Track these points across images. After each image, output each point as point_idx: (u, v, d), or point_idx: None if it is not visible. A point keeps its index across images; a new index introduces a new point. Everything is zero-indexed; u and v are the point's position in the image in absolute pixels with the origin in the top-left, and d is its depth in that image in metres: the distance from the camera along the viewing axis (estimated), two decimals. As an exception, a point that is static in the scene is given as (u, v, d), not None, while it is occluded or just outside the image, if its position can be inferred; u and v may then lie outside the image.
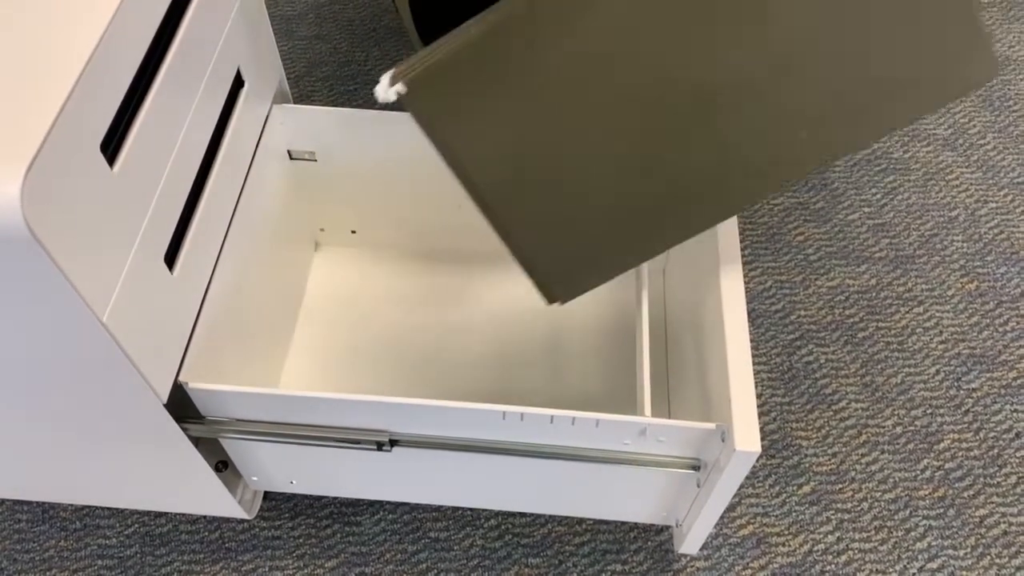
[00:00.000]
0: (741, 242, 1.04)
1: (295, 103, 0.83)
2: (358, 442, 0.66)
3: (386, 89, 0.51)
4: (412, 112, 0.52)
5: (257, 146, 0.76)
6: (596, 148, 0.54)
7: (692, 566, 0.81)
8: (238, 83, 0.71)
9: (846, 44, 0.53)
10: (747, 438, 0.57)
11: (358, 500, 0.84)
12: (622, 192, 0.57)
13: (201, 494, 0.74)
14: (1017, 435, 0.89)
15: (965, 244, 1.04)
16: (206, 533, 0.83)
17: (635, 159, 0.55)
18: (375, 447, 0.66)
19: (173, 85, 0.58)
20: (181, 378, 0.63)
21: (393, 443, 0.66)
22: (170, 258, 0.60)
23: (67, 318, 0.50)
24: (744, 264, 1.02)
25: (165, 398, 0.59)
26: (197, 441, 0.67)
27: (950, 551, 0.82)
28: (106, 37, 0.49)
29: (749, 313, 0.98)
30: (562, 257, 0.60)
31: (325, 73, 1.24)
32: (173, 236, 0.60)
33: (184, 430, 0.64)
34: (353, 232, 0.96)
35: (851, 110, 0.56)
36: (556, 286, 0.62)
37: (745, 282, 1.01)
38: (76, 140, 0.47)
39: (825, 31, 0.53)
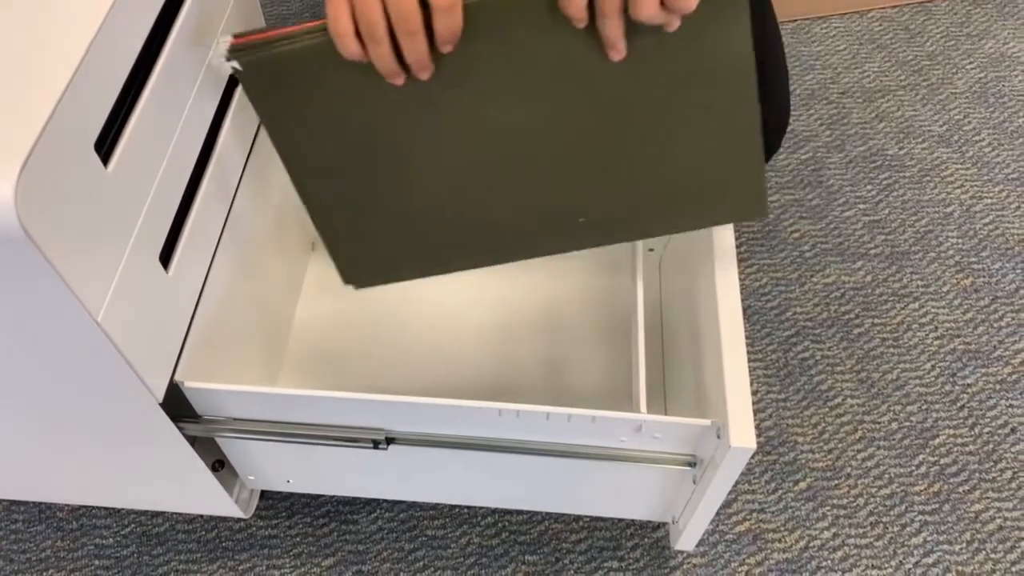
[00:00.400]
0: (737, 239, 1.05)
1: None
2: (354, 440, 0.66)
3: (221, 57, 0.53)
4: (243, 86, 0.55)
5: (252, 145, 0.76)
6: (407, 165, 0.58)
7: (688, 563, 0.81)
8: (233, 82, 0.71)
9: (628, 149, 0.57)
10: (742, 434, 0.57)
11: (355, 498, 0.85)
12: (427, 207, 0.61)
13: (198, 493, 0.75)
14: (1012, 430, 0.89)
15: (960, 240, 1.05)
16: (203, 532, 0.83)
17: (443, 183, 0.59)
18: (371, 445, 0.66)
19: (167, 84, 0.58)
20: (177, 377, 0.63)
21: (389, 441, 0.66)
22: (165, 257, 0.60)
23: (62, 318, 0.50)
24: (740, 261, 1.03)
25: (161, 397, 0.59)
26: (194, 440, 0.67)
27: (946, 546, 0.82)
28: (100, 36, 0.49)
29: (745, 310, 0.99)
30: (364, 249, 0.65)
31: (320, 72, 1.24)
32: (168, 235, 0.60)
33: (180, 429, 0.64)
34: (349, 231, 0.96)
35: (627, 207, 0.61)
36: (353, 272, 0.67)
37: (741, 279, 1.01)
38: (70, 139, 0.47)
39: (608, 134, 0.57)
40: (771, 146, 0.94)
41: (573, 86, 0.54)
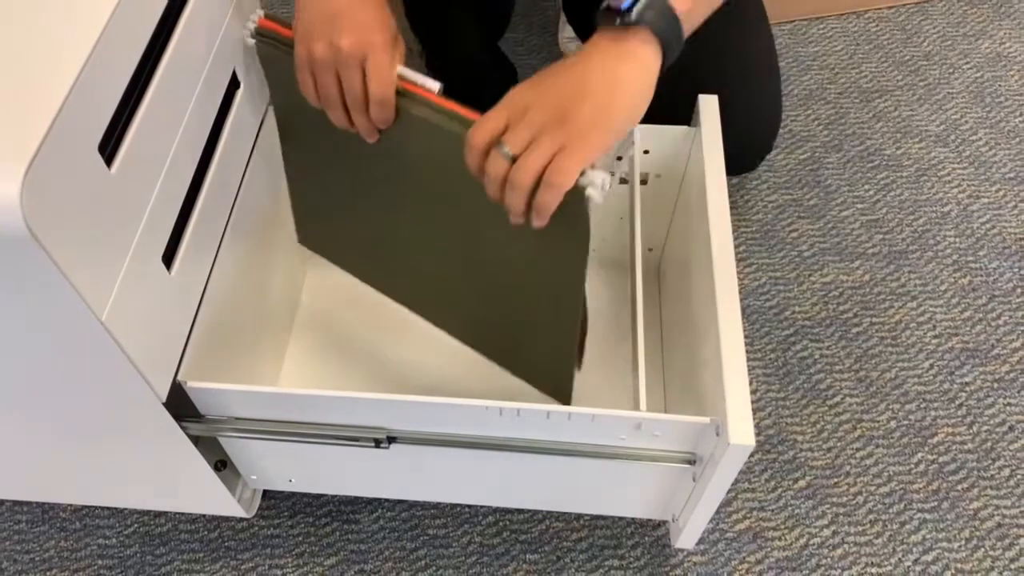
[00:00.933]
0: (735, 239, 1.05)
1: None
2: (356, 439, 0.66)
3: (248, 31, 0.66)
4: (260, 63, 0.69)
5: (254, 146, 0.77)
6: (363, 176, 0.70)
7: (689, 561, 0.82)
8: (234, 84, 0.71)
9: (481, 284, 0.70)
10: (741, 432, 0.58)
11: (357, 498, 0.85)
12: (369, 220, 0.74)
13: (200, 493, 0.75)
14: (1010, 428, 0.90)
15: (957, 239, 1.05)
16: (205, 532, 0.83)
17: (381, 210, 0.72)
18: (373, 444, 0.66)
19: (170, 86, 0.59)
20: (180, 377, 0.63)
21: (391, 440, 0.67)
22: (168, 258, 0.60)
23: (66, 317, 0.50)
24: (738, 260, 1.03)
25: (164, 397, 0.60)
26: (196, 440, 0.68)
27: (944, 544, 0.82)
28: (103, 38, 0.50)
29: (743, 309, 0.99)
30: (318, 224, 0.79)
31: (320, 74, 1.24)
32: (171, 236, 0.60)
33: (183, 429, 0.64)
34: (350, 232, 0.96)
35: (476, 327, 0.76)
36: (304, 234, 0.81)
37: (740, 278, 1.02)
38: (74, 140, 0.48)
39: (471, 259, 0.68)
40: (762, 148, 0.94)
41: (459, 206, 0.64)
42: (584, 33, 1.03)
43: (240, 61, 0.72)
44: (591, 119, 0.49)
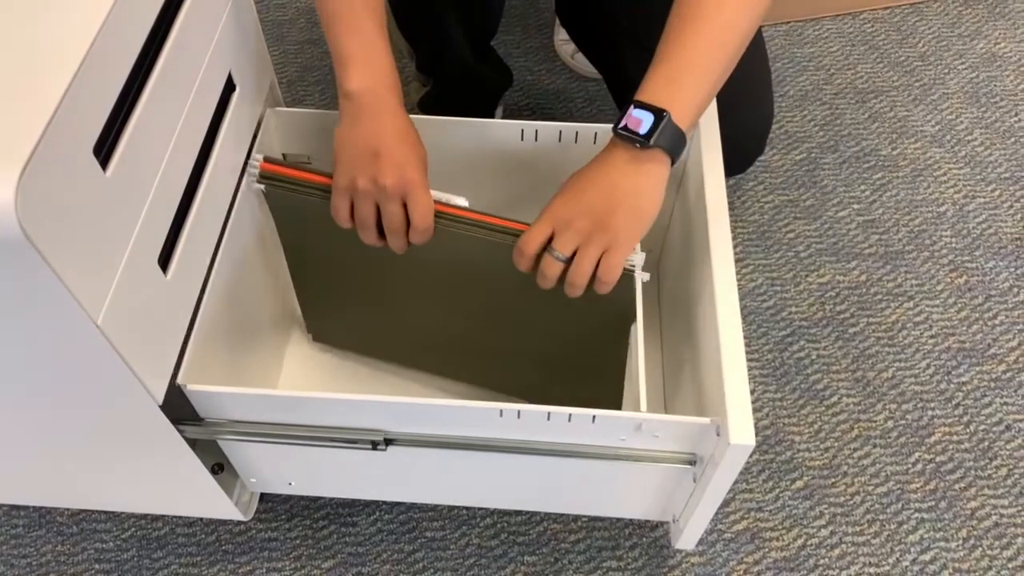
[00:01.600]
0: (732, 240, 1.05)
1: (288, 107, 0.84)
2: (353, 442, 0.66)
3: (252, 177, 0.74)
4: (267, 201, 0.76)
5: (251, 149, 0.76)
6: (374, 280, 0.78)
7: (687, 562, 0.81)
8: (230, 87, 0.71)
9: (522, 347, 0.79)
10: (741, 431, 0.58)
11: (354, 500, 0.85)
12: (380, 315, 0.83)
13: (198, 496, 0.75)
14: (1007, 428, 0.90)
15: (953, 239, 1.05)
16: (203, 535, 0.83)
17: (394, 302, 0.80)
18: (370, 447, 0.66)
19: (165, 89, 0.58)
20: (179, 380, 0.63)
21: (388, 442, 0.66)
22: (164, 260, 0.60)
23: (61, 321, 0.50)
24: (735, 261, 1.02)
25: (161, 400, 0.59)
26: (194, 443, 0.68)
27: (942, 543, 0.83)
28: (98, 41, 0.49)
29: (741, 310, 0.99)
30: (326, 321, 0.88)
31: (317, 77, 1.24)
32: (167, 238, 0.60)
33: (181, 432, 0.64)
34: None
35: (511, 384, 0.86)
36: (315, 330, 0.90)
37: (737, 279, 1.02)
38: (69, 143, 0.47)
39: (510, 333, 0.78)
40: (755, 149, 0.94)
41: (494, 293, 0.73)
42: (577, 37, 1.03)
43: (235, 63, 0.71)
44: (625, 226, 0.61)
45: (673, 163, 0.61)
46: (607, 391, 0.76)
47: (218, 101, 0.69)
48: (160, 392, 0.59)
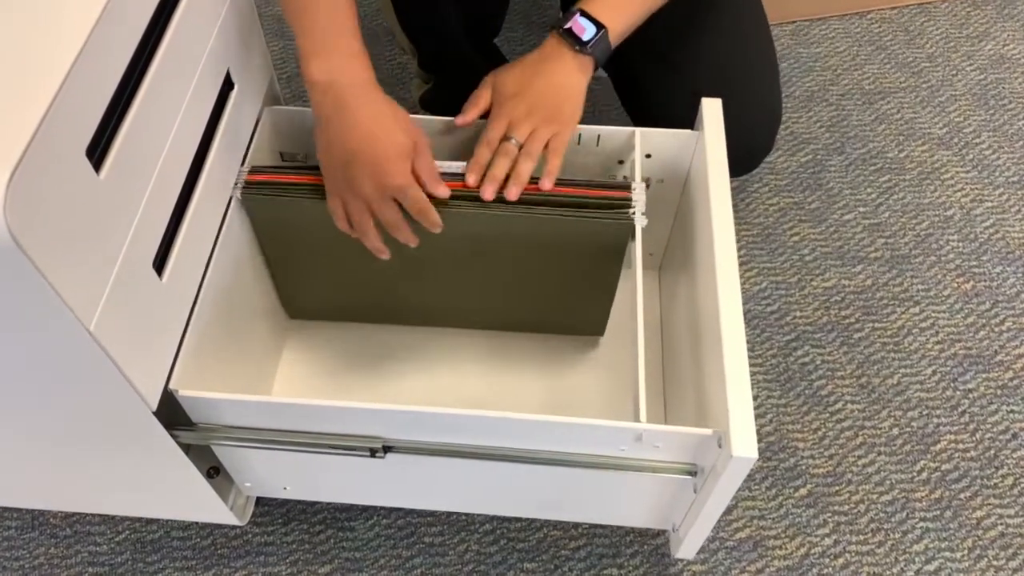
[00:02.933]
0: (736, 242, 1.04)
1: (288, 104, 0.82)
2: (352, 449, 0.65)
3: (239, 190, 0.72)
4: (248, 213, 0.75)
5: (248, 148, 0.75)
6: (360, 263, 0.76)
7: (688, 570, 0.80)
8: (228, 85, 0.70)
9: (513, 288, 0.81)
10: (744, 444, 0.56)
11: (352, 505, 0.84)
12: (367, 287, 0.83)
13: (192, 500, 0.74)
14: (1014, 436, 0.89)
15: (961, 244, 1.04)
16: (198, 539, 0.82)
17: (382, 276, 0.79)
18: (368, 454, 0.65)
19: (161, 88, 0.57)
20: (171, 385, 0.62)
21: (387, 450, 0.65)
22: (159, 264, 0.59)
23: (53, 327, 0.49)
24: (740, 264, 1.02)
25: (155, 406, 0.58)
26: (188, 448, 0.67)
27: (947, 553, 0.82)
28: (91, 40, 0.48)
29: (745, 314, 0.98)
30: (305, 300, 0.87)
31: (317, 73, 1.23)
32: (162, 242, 0.59)
33: (174, 437, 0.63)
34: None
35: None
36: (291, 309, 0.89)
37: (741, 283, 1.00)
38: (61, 146, 0.46)
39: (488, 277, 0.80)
40: (762, 149, 0.93)
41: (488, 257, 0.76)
42: None
43: (234, 61, 0.70)
44: (571, 115, 0.71)
45: (594, 72, 0.72)
46: (594, 318, 0.85)
47: (216, 100, 0.67)
48: (154, 398, 0.58)
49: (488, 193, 0.68)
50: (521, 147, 0.69)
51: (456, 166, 0.71)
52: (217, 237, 0.70)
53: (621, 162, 0.81)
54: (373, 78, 0.66)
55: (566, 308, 0.84)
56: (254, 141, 0.76)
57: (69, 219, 0.47)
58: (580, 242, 0.73)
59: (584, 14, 0.70)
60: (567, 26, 0.70)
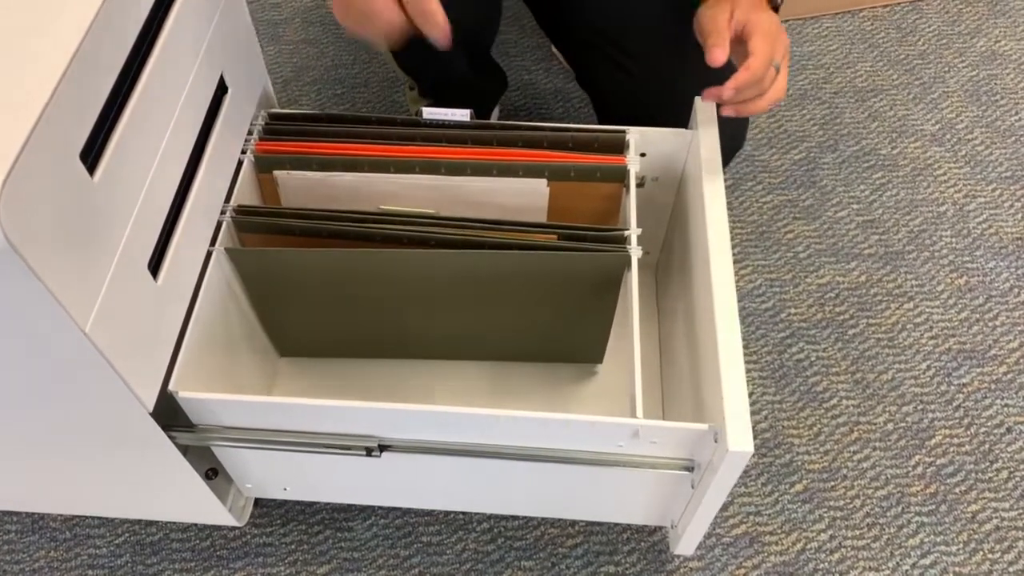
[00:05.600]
0: (731, 240, 1.04)
1: (283, 108, 0.83)
2: (348, 448, 0.65)
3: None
4: (230, 257, 0.74)
5: (243, 151, 0.76)
6: (348, 304, 0.78)
7: (685, 566, 0.81)
8: (222, 89, 0.70)
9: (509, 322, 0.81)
10: (740, 438, 0.57)
11: (350, 505, 0.84)
12: (354, 328, 0.83)
13: (191, 502, 0.74)
14: (1008, 430, 0.89)
15: (954, 239, 1.04)
16: (197, 541, 0.82)
17: (370, 316, 0.80)
18: (365, 453, 0.65)
19: (155, 92, 0.57)
20: (171, 387, 0.62)
21: (383, 448, 0.66)
22: (155, 266, 0.59)
23: (48, 329, 0.49)
24: (734, 262, 1.02)
25: (151, 407, 0.59)
26: (187, 449, 0.67)
27: (942, 547, 0.82)
28: (85, 44, 0.49)
29: (740, 311, 0.98)
30: (295, 341, 0.87)
31: (312, 77, 1.23)
32: (157, 243, 0.59)
33: (172, 438, 0.63)
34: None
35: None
36: (282, 348, 0.89)
37: (735, 281, 1.01)
38: (55, 149, 0.46)
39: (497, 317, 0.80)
40: (734, 146, 0.92)
41: (480, 289, 0.76)
42: (554, 36, 1.02)
43: (228, 65, 0.71)
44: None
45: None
46: (592, 346, 0.85)
47: (210, 103, 0.68)
48: (151, 399, 0.59)
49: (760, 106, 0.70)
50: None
51: (460, 114, 0.72)
52: (214, 239, 0.70)
53: (643, 155, 0.81)
54: None
55: (563, 339, 0.83)
56: (249, 143, 0.76)
57: (63, 222, 0.47)
58: (576, 277, 0.73)
59: None
60: None
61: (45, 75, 0.46)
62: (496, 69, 1.09)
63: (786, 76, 0.69)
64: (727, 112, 0.69)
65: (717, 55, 0.67)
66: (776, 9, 0.73)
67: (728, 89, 0.67)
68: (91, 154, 0.50)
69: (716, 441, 0.59)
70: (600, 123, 0.96)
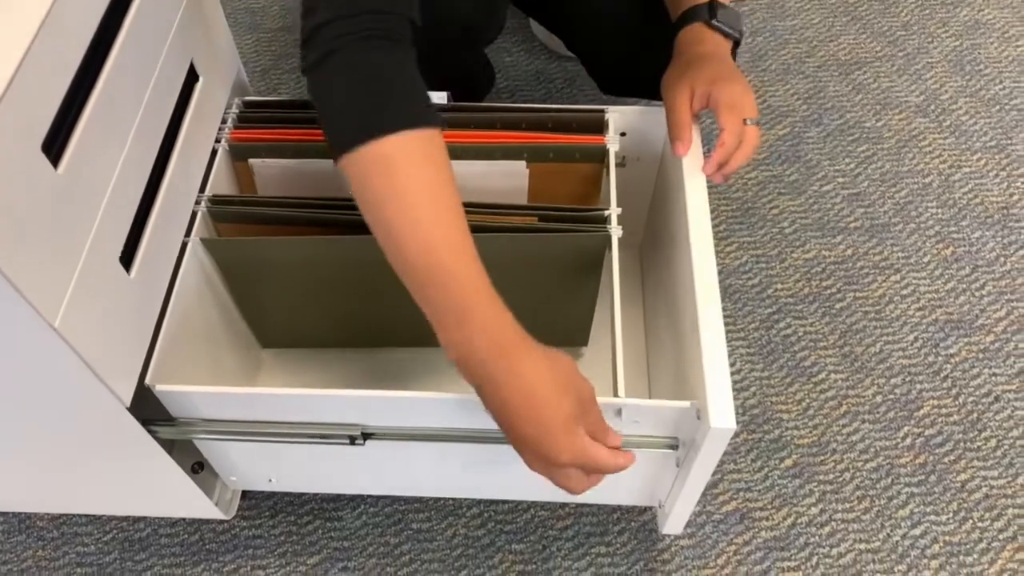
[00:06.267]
0: (716, 218, 1.04)
1: (263, 96, 0.82)
2: (330, 437, 0.65)
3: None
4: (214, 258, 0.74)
5: (218, 140, 0.75)
6: (322, 294, 0.78)
7: (676, 544, 0.81)
8: (193, 77, 0.69)
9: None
10: (722, 415, 0.56)
11: (339, 495, 0.84)
12: (327, 317, 0.82)
13: (177, 497, 0.73)
14: (996, 399, 0.89)
15: (940, 210, 1.04)
16: (186, 536, 0.82)
17: (342, 307, 0.80)
18: (348, 441, 0.65)
19: (120, 81, 0.56)
20: (147, 381, 0.61)
21: (367, 437, 0.65)
22: (127, 258, 0.58)
23: (16, 325, 0.48)
24: (720, 240, 1.02)
25: (128, 402, 0.58)
26: (173, 444, 0.66)
27: (932, 517, 0.82)
28: (44, 30, 0.47)
29: (726, 289, 0.98)
30: (274, 331, 0.86)
31: (292, 65, 1.22)
32: (128, 236, 0.58)
33: (152, 433, 0.63)
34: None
35: None
36: (264, 339, 0.87)
37: (721, 258, 1.00)
38: (14, 141, 0.46)
39: None
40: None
41: None
42: (542, 20, 1.01)
43: (198, 52, 0.69)
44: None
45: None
46: (577, 329, 0.84)
47: (180, 91, 0.67)
48: (127, 394, 0.58)
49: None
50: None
51: (436, 96, 0.71)
52: (189, 229, 0.69)
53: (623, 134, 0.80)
54: (512, 333, 0.53)
55: (547, 322, 0.81)
56: (224, 130, 0.75)
57: (27, 215, 0.47)
58: (557, 259, 0.73)
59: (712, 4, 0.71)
60: (716, 22, 0.71)
61: (2, 65, 0.45)
62: (487, 65, 1.08)
63: (758, 128, 0.69)
64: (717, 181, 0.69)
65: (679, 150, 0.69)
66: (737, 44, 0.72)
67: (711, 169, 0.68)
68: (54, 145, 0.49)
69: (699, 418, 0.58)
70: (598, 84, 0.95)
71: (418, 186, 0.51)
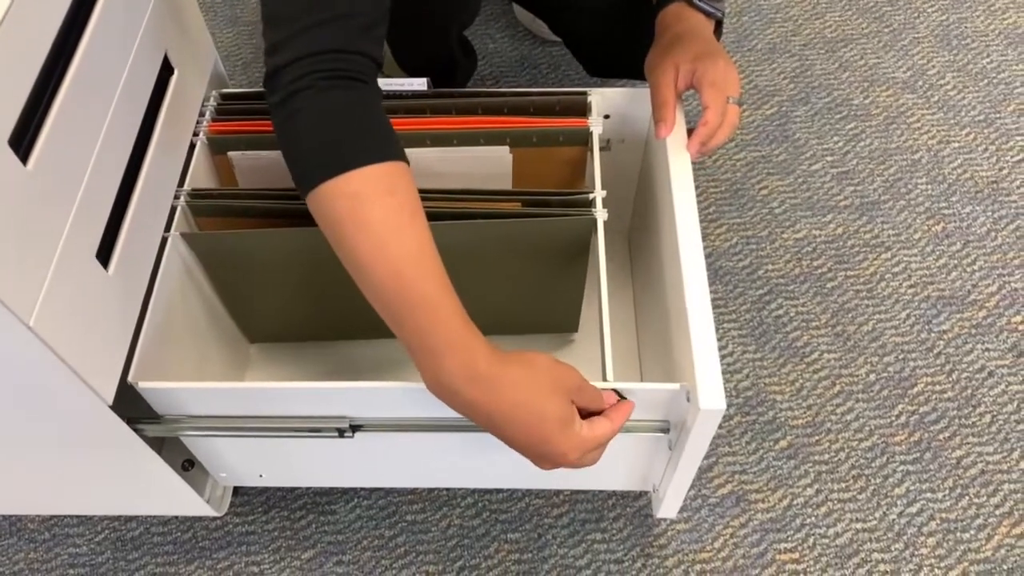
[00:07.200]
0: (704, 200, 1.03)
1: (244, 89, 0.80)
2: (318, 430, 0.64)
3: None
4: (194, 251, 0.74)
5: (196, 132, 0.73)
6: (302, 285, 0.77)
7: (672, 529, 0.80)
8: (168, 70, 0.68)
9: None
10: (712, 396, 0.56)
11: (332, 488, 0.83)
12: (310, 308, 0.81)
13: (167, 495, 0.73)
14: (990, 374, 0.89)
15: (929, 186, 1.03)
16: (179, 534, 0.81)
17: (322, 298, 0.79)
18: (336, 434, 0.64)
19: (90, 73, 0.55)
20: (131, 378, 0.61)
21: (355, 429, 0.64)
22: (104, 255, 0.57)
23: (-10, 324, 0.47)
24: (709, 222, 1.01)
25: (110, 400, 0.57)
26: (162, 442, 0.65)
27: (928, 494, 0.82)
28: (7, 22, 0.46)
29: (716, 271, 0.97)
30: (259, 325, 0.85)
31: (272, 57, 1.21)
32: (105, 232, 0.57)
33: (138, 431, 0.62)
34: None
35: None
36: (250, 334, 0.87)
37: (711, 240, 1.00)
38: (-20, 136, 0.45)
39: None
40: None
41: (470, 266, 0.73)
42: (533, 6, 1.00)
43: (172, 44, 0.68)
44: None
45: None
46: (567, 315, 0.83)
47: (155, 84, 0.66)
48: (109, 391, 0.57)
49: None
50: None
51: (417, 83, 0.71)
52: (169, 223, 0.68)
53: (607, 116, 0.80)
54: (484, 352, 0.53)
55: (536, 309, 0.82)
56: (202, 123, 0.74)
57: (-2, 212, 0.46)
58: (543, 244, 0.72)
59: None
60: (697, 0, 0.70)
61: (-36, 59, 0.44)
62: (470, 49, 1.07)
63: (739, 107, 0.69)
64: (696, 157, 0.69)
65: (661, 131, 0.68)
66: (720, 23, 0.72)
67: (693, 148, 0.67)
68: (23, 141, 0.48)
69: (688, 400, 0.58)
70: (584, 66, 0.94)
71: (384, 216, 0.51)
